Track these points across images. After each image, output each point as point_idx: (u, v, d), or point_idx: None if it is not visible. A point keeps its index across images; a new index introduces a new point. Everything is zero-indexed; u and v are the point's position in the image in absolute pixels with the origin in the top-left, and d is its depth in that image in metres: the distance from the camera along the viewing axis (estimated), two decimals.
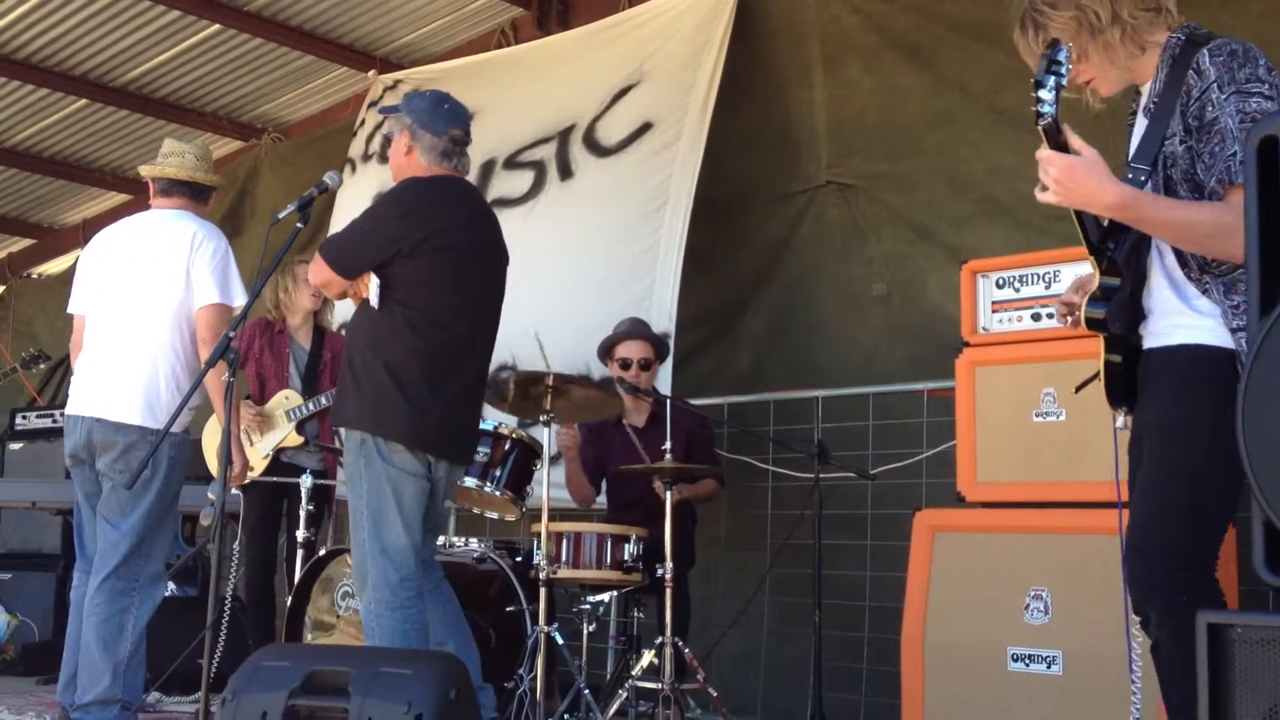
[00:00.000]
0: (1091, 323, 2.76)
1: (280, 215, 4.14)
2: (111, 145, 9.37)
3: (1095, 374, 2.87)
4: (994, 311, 4.23)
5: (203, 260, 4.57)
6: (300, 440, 5.82)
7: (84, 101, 8.60)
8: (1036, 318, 4.12)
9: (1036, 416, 4.04)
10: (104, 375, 4.48)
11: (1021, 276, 4.19)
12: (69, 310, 4.77)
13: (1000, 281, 4.22)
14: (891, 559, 5.07)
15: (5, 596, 7.34)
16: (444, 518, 4.32)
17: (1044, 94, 2.52)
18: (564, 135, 6.91)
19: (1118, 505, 3.69)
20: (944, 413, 4.94)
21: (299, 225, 4.20)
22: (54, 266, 11.20)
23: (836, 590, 5.10)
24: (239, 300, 4.60)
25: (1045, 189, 2.59)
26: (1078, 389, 3.14)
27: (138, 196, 10.06)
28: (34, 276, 11.30)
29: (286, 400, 5.83)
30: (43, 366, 7.99)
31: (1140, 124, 2.81)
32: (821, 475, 4.87)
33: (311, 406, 5.78)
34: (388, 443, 3.94)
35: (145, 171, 4.89)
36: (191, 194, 4.78)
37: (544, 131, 7.02)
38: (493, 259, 4.24)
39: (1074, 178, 2.54)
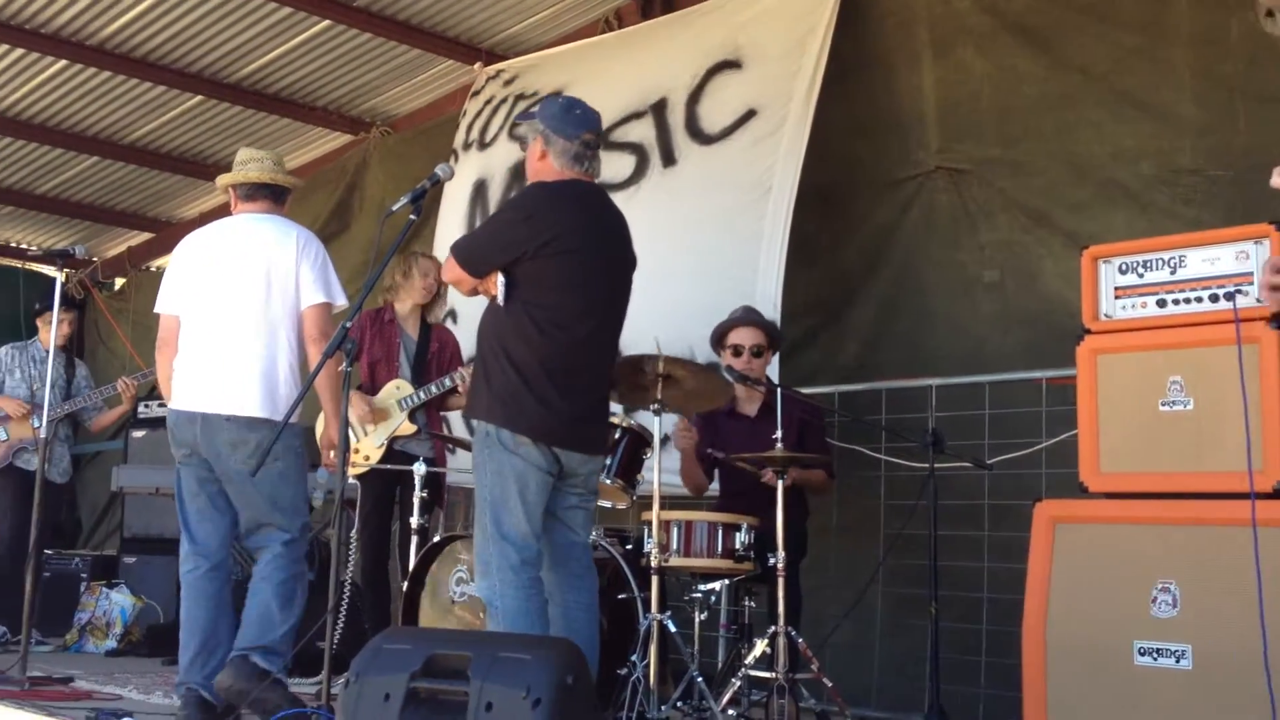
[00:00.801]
0: None
1: (394, 207, 4.24)
2: (226, 140, 9.53)
3: None
4: (1117, 298, 4.13)
5: (309, 262, 4.72)
6: (413, 429, 5.90)
7: (200, 98, 8.76)
8: (1162, 304, 4.01)
9: (1163, 405, 3.94)
10: (228, 373, 4.59)
11: (1146, 262, 4.07)
12: (159, 310, 4.84)
13: (1124, 267, 4.12)
14: (1009, 550, 5.00)
15: (130, 579, 7.56)
16: (590, 509, 4.35)
17: None
18: (659, 114, 6.90)
19: (1250, 496, 3.63)
20: (1062, 402, 4.86)
21: (412, 217, 4.29)
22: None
23: (952, 582, 5.03)
24: (340, 300, 4.76)
25: None
26: None
27: None
28: (152, 270, 11.56)
29: (398, 390, 5.91)
30: None
31: None
32: (936, 465, 4.80)
33: (422, 395, 5.86)
34: (514, 435, 4.05)
35: (226, 180, 4.99)
36: (273, 197, 4.90)
37: (634, 105, 7.02)
38: (617, 261, 4.33)
39: None
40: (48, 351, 7.25)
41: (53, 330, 5.79)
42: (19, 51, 8.01)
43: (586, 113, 4.35)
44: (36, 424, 7.04)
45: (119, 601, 7.20)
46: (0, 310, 7.66)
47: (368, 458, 5.88)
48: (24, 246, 11.56)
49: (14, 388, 7.29)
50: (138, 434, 8.16)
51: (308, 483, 4.73)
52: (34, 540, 5.54)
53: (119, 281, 11.76)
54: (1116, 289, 4.14)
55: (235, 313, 4.65)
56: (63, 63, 8.20)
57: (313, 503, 4.57)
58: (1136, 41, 5.46)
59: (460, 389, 5.76)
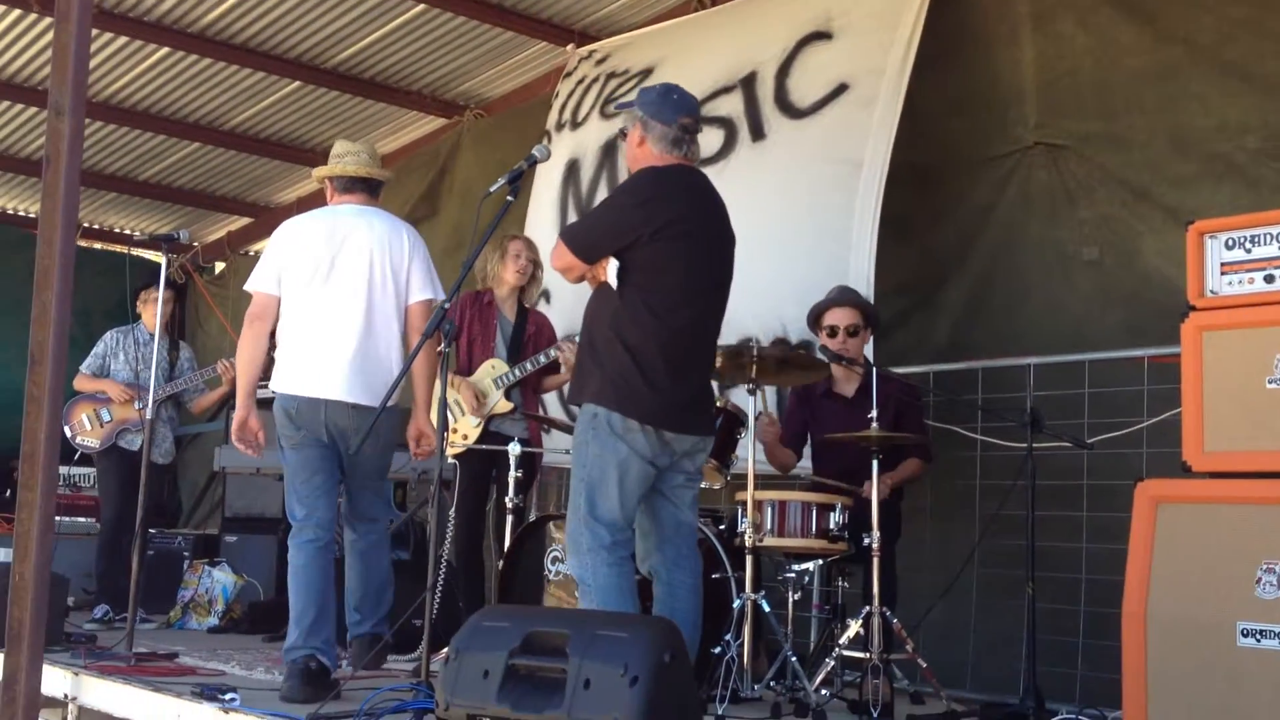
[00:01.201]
0: None
1: (492, 189, 4.28)
2: (322, 125, 9.67)
3: None
4: (1223, 273, 4.03)
5: (419, 259, 4.97)
6: (510, 407, 5.95)
7: (297, 84, 8.90)
8: (1270, 279, 3.90)
9: (1270, 383, 3.84)
10: (354, 363, 4.79)
11: (1253, 237, 3.97)
12: (257, 288, 4.92)
13: (1230, 242, 4.02)
14: (1108, 531, 4.93)
15: (231, 558, 7.70)
16: (697, 489, 4.35)
17: None
18: (748, 88, 6.84)
19: None
20: (1165, 380, 4.77)
21: (509, 198, 4.32)
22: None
23: (1048, 563, 4.97)
24: (441, 295, 4.92)
25: None
26: None
27: None
28: (250, 254, 11.75)
29: (493, 369, 5.97)
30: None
31: None
32: (1034, 445, 4.74)
33: (518, 373, 5.91)
34: (624, 420, 4.07)
35: (323, 172, 5.14)
36: (369, 190, 5.07)
37: (724, 80, 6.96)
38: (721, 244, 4.35)
39: None
40: (151, 335, 7.42)
41: (158, 313, 5.92)
42: (122, 40, 8.19)
43: (683, 97, 4.36)
44: (139, 406, 7.19)
45: (221, 579, 7.32)
46: (106, 295, 7.82)
47: (465, 437, 5.95)
48: (128, 232, 11.81)
49: (118, 371, 7.45)
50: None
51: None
52: (140, 519, 5.69)
53: (218, 266, 11.98)
54: (1223, 265, 4.04)
55: (356, 304, 4.82)
56: (165, 50, 8.36)
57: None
58: (1243, 12, 5.32)
59: (562, 363, 5.80)
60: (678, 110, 4.30)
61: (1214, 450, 3.96)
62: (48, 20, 7.75)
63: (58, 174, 4.40)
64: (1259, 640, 3.70)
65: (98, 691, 4.73)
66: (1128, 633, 3.97)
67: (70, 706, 4.83)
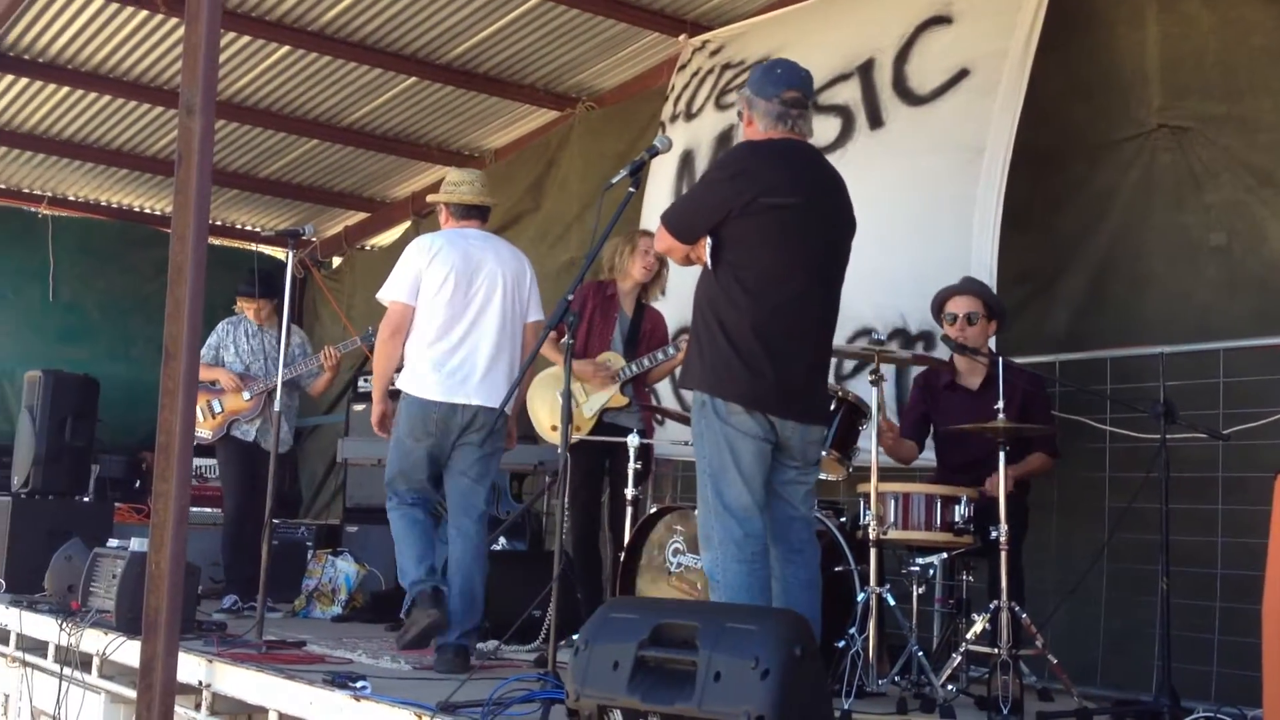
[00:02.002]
0: None
1: (614, 180, 4.28)
2: (437, 120, 9.79)
3: None
4: None
5: (534, 285, 5.52)
6: (625, 401, 5.97)
7: (413, 79, 9.00)
8: None
9: None
10: (492, 372, 5.26)
11: None
12: (396, 298, 5.31)
13: None
14: (1243, 525, 4.82)
15: (353, 547, 7.83)
16: (810, 483, 4.29)
17: None
18: (866, 75, 6.77)
19: None
20: None
21: (631, 190, 4.32)
22: (384, 239, 11.80)
23: (1181, 557, 4.84)
24: (544, 317, 5.46)
25: None
26: None
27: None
28: (367, 248, 11.94)
29: (611, 362, 5.98)
30: None
31: None
32: (1167, 436, 4.63)
33: (635, 369, 5.92)
34: (726, 403, 4.02)
35: (440, 198, 5.57)
36: (481, 216, 5.55)
37: (841, 68, 6.90)
38: (829, 218, 4.24)
39: None
40: (259, 327, 7.58)
41: (285, 305, 6.02)
42: (245, 39, 8.36)
43: (788, 71, 4.28)
44: (247, 396, 7.34)
45: (344, 569, 7.44)
46: (231, 291, 7.98)
47: (578, 429, 5.98)
48: (250, 228, 12.08)
49: (231, 362, 7.59)
50: (358, 407, 8.43)
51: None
52: (268, 509, 5.81)
53: (335, 260, 12.18)
54: None
55: (495, 321, 5.30)
56: (285, 48, 8.52)
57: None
58: None
59: (679, 359, 5.80)
60: (780, 84, 4.22)
61: None
62: (173, 21, 7.96)
63: (190, 171, 4.50)
64: None
65: (231, 678, 4.84)
66: (1269, 629, 3.86)
67: (205, 693, 4.95)
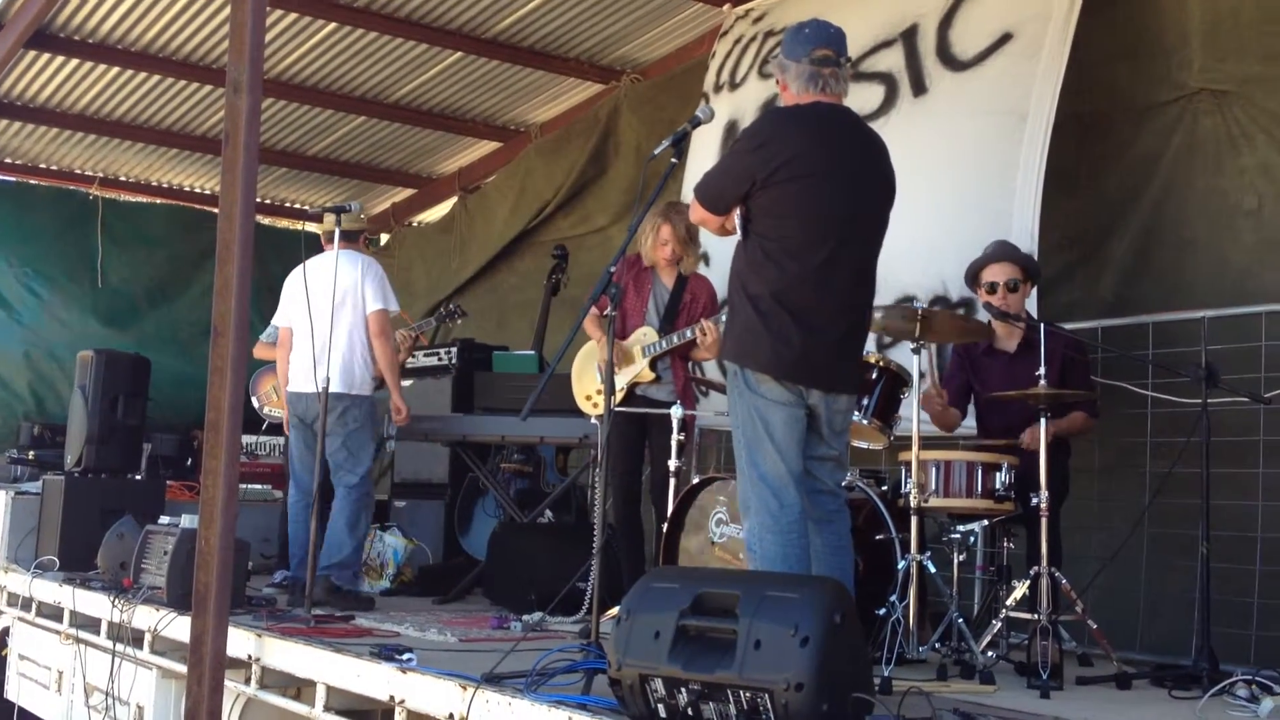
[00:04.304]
0: None
1: (655, 151, 4.29)
2: (483, 95, 9.83)
3: None
4: None
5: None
6: (651, 377, 5.97)
7: (459, 54, 9.06)
8: None
9: None
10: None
11: None
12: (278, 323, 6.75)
13: None
14: None
15: (401, 522, 7.89)
16: (841, 449, 4.26)
17: None
18: (909, 41, 6.74)
19: None
20: None
21: (674, 160, 4.32)
22: (431, 215, 11.88)
23: (1221, 521, 4.83)
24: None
25: None
26: None
27: (507, 144, 10.55)
28: (414, 225, 12.02)
29: (644, 337, 6.00)
30: (459, 322, 8.47)
31: None
32: (1209, 400, 4.63)
33: (664, 344, 5.90)
34: (755, 374, 4.02)
35: (321, 229, 6.75)
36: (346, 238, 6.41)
37: (885, 34, 6.86)
38: (862, 182, 4.16)
39: None
40: None
41: (333, 288, 6.09)
42: (291, 16, 8.46)
43: (815, 29, 4.19)
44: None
45: (392, 544, 7.43)
46: (280, 272, 8.00)
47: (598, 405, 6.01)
48: (299, 206, 12.20)
49: None
50: (406, 383, 8.41)
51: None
52: (317, 486, 5.87)
53: (383, 237, 12.25)
54: None
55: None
56: (332, 25, 8.60)
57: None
58: None
59: (700, 343, 5.77)
60: (809, 43, 4.14)
61: None
62: (219, 0, 8.03)
63: (236, 149, 4.53)
64: None
65: (280, 652, 4.87)
66: None
67: (254, 667, 4.98)
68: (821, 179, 4.04)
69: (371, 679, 4.26)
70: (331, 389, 6.10)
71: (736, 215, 4.13)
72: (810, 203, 4.03)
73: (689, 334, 5.82)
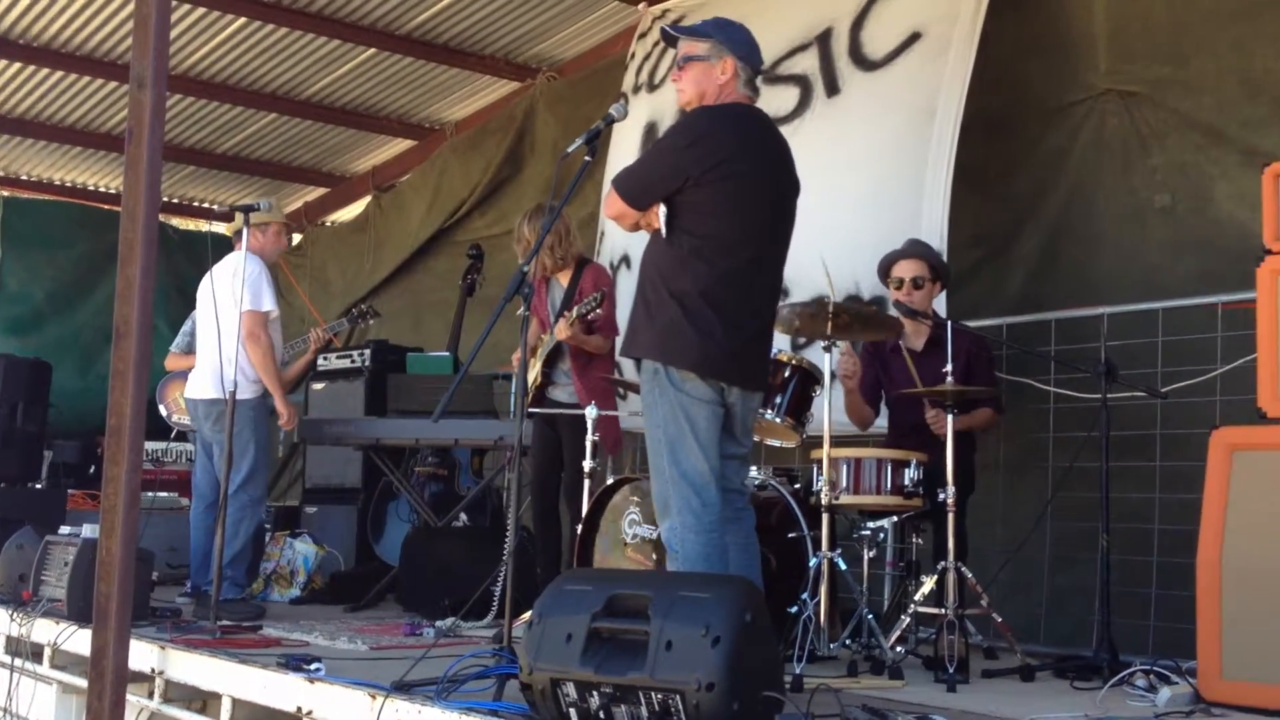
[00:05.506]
0: None
1: (569, 149, 4.23)
2: (397, 92, 9.75)
3: None
4: None
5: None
6: (538, 382, 5.99)
7: (372, 51, 8.97)
8: None
9: None
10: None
11: None
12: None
13: None
14: (1181, 481, 4.91)
15: (311, 529, 7.74)
16: (749, 448, 4.29)
17: None
18: (824, 43, 6.79)
19: None
20: (1239, 327, 4.74)
21: (587, 158, 4.29)
22: (345, 214, 11.74)
23: (1121, 514, 4.95)
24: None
25: None
26: None
27: (422, 142, 10.48)
28: (327, 224, 11.89)
29: (544, 342, 6.02)
30: (371, 323, 8.25)
31: None
32: (1108, 395, 4.72)
33: (543, 352, 5.95)
34: (679, 371, 3.98)
35: (230, 228, 6.23)
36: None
37: (801, 38, 6.91)
38: (781, 186, 4.22)
39: None
40: None
41: (226, 290, 6.03)
42: (199, 11, 8.30)
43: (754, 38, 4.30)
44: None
45: (302, 550, 7.29)
46: (186, 275, 7.87)
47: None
48: (208, 205, 11.99)
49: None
50: (317, 386, 8.34)
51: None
52: (223, 494, 5.74)
53: (296, 237, 12.08)
54: None
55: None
56: (241, 20, 8.48)
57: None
58: None
59: (558, 335, 5.79)
60: (759, 56, 4.25)
61: None
62: None
63: (140, 147, 4.43)
64: None
65: (184, 665, 4.74)
66: (1202, 581, 3.96)
67: (157, 680, 4.84)
68: (751, 179, 4.07)
69: (278, 690, 4.17)
70: (206, 395, 6.19)
71: (659, 212, 4.11)
72: (740, 202, 4.05)
73: (553, 337, 5.86)
